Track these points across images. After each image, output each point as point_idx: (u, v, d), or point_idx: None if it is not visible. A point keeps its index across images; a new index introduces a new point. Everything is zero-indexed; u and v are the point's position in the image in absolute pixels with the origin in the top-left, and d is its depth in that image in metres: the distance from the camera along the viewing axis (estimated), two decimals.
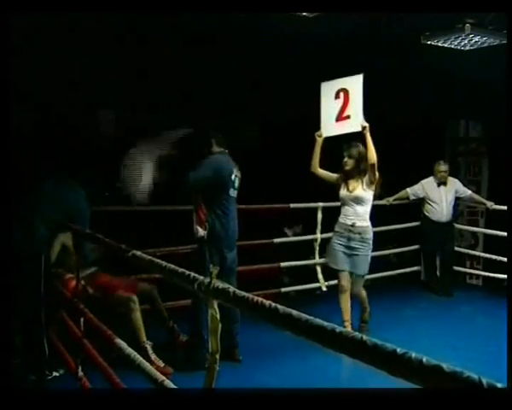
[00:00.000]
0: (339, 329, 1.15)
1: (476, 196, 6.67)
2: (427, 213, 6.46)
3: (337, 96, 4.52)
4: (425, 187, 6.45)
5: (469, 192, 6.56)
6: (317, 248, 5.89)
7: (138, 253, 2.33)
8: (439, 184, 6.36)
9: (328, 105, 4.57)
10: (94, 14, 4.07)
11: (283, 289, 5.85)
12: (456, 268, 6.83)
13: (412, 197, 6.53)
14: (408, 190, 6.52)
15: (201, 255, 4.03)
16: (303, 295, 5.98)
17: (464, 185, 6.60)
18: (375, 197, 4.83)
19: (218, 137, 4.23)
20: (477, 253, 7.13)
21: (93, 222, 3.95)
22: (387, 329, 4.62)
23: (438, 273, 6.68)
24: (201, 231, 4.04)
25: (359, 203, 4.64)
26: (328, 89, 4.59)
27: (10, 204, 2.79)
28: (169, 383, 2.11)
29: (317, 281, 5.91)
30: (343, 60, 4.54)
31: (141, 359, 2.48)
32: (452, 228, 6.62)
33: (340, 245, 4.70)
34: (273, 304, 1.35)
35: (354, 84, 4.46)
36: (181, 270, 1.90)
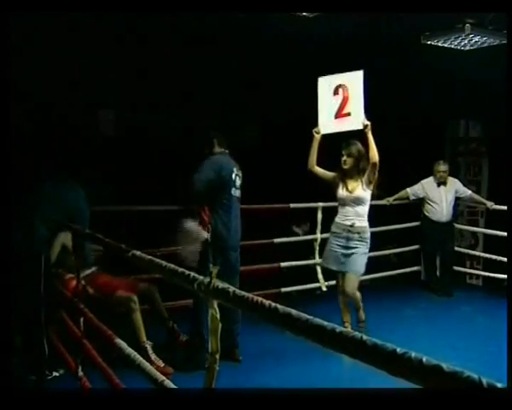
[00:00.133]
0: (339, 329, 1.15)
1: (476, 196, 6.67)
2: (427, 213, 6.46)
3: (336, 92, 4.40)
4: (425, 187, 6.45)
5: (469, 192, 6.56)
6: (317, 248, 5.88)
7: (138, 253, 2.32)
8: (438, 184, 6.36)
9: (327, 101, 4.44)
10: (94, 14, 4.07)
11: (283, 289, 5.85)
12: (456, 268, 6.83)
13: (412, 197, 6.53)
14: (408, 190, 6.53)
15: (204, 255, 4.02)
16: (303, 295, 5.98)
17: (464, 185, 6.60)
18: (374, 197, 4.77)
19: (219, 137, 4.22)
20: (477, 253, 7.13)
21: (93, 222, 3.95)
22: (387, 329, 4.60)
23: (438, 273, 6.68)
24: (205, 234, 4.03)
25: (360, 204, 4.52)
26: (325, 84, 4.46)
27: (10, 204, 2.79)
28: (169, 383, 2.11)
29: (317, 281, 5.91)
30: (343, 60, 4.53)
31: (141, 359, 2.48)
32: (452, 228, 6.62)
33: (337, 246, 4.57)
34: (273, 304, 1.34)
35: (354, 80, 4.35)
36: (181, 270, 1.90)
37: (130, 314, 3.95)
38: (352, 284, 4.54)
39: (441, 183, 6.35)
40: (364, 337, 1.08)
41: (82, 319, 3.31)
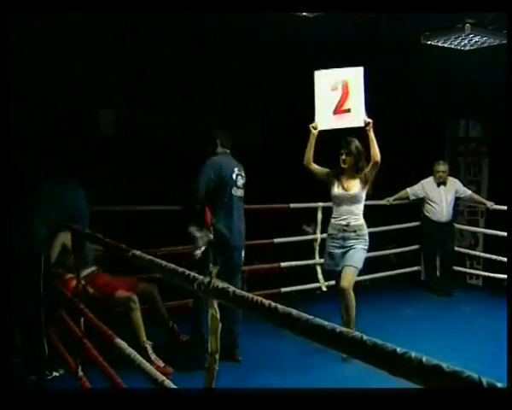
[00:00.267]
0: (339, 329, 1.15)
1: (476, 196, 6.67)
2: (427, 213, 6.46)
3: (334, 87, 4.27)
4: (425, 187, 6.44)
5: (469, 192, 6.56)
6: (317, 248, 5.88)
7: (138, 253, 2.32)
8: (438, 184, 6.36)
9: (324, 96, 4.26)
10: (94, 14, 4.07)
11: (283, 289, 5.85)
12: (456, 268, 6.83)
13: (412, 197, 6.53)
14: (408, 190, 6.52)
15: (205, 255, 4.01)
16: (303, 295, 5.98)
17: (464, 185, 6.60)
18: (369, 197, 4.68)
19: (222, 137, 4.21)
20: (477, 253, 7.13)
21: (93, 222, 3.95)
22: (387, 329, 4.60)
23: (438, 273, 6.68)
24: (210, 235, 4.02)
25: (355, 202, 4.41)
26: (323, 78, 4.28)
27: (10, 204, 2.79)
28: (169, 383, 2.11)
29: (317, 281, 5.91)
30: (343, 60, 4.51)
31: (141, 359, 2.47)
32: (452, 228, 6.62)
33: (335, 247, 4.46)
34: (273, 304, 1.34)
35: (354, 76, 4.26)
36: (181, 270, 1.90)
37: (130, 314, 3.95)
38: (348, 277, 4.32)
39: (441, 183, 6.35)
40: (364, 337, 1.08)
41: (82, 319, 3.31)
